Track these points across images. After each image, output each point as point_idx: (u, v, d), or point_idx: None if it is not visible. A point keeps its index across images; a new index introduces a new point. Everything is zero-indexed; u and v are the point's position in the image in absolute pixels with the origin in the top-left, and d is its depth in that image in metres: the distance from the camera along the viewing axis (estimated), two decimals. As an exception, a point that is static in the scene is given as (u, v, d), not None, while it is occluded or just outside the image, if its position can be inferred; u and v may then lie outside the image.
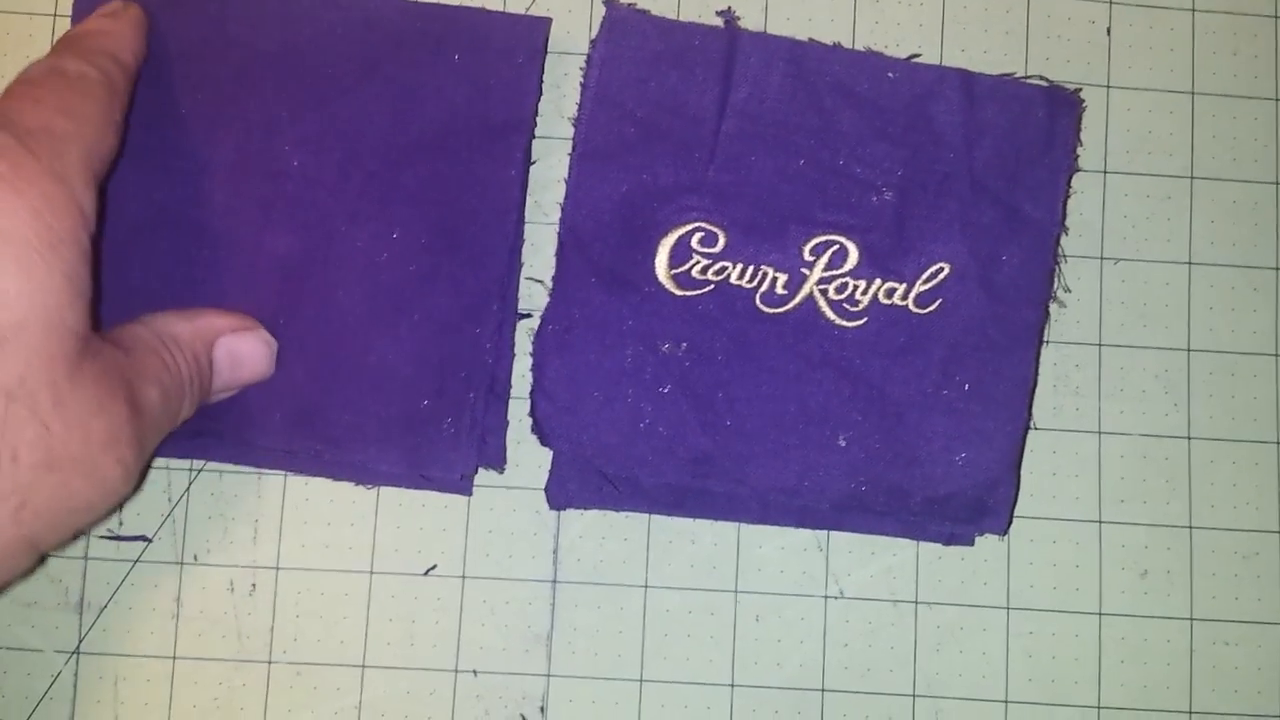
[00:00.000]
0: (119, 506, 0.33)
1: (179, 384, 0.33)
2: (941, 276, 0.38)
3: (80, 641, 0.38)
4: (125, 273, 0.38)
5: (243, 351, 0.36)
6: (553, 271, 0.38)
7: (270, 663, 0.38)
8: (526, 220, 0.40)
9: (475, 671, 0.39)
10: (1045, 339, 0.39)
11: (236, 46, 0.38)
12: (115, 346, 0.32)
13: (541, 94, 0.40)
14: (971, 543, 0.39)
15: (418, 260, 0.38)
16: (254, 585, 0.39)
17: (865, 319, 0.38)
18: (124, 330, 0.33)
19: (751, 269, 0.38)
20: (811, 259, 0.38)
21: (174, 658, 0.38)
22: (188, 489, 0.39)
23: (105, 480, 0.30)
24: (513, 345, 0.39)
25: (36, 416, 0.28)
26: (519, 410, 0.39)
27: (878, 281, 0.38)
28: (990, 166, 0.38)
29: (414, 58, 0.39)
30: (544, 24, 0.40)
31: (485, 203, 0.38)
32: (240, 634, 0.38)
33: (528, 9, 0.41)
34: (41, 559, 0.32)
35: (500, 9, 0.41)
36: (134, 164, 0.37)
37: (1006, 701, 0.39)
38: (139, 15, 0.37)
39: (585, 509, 0.39)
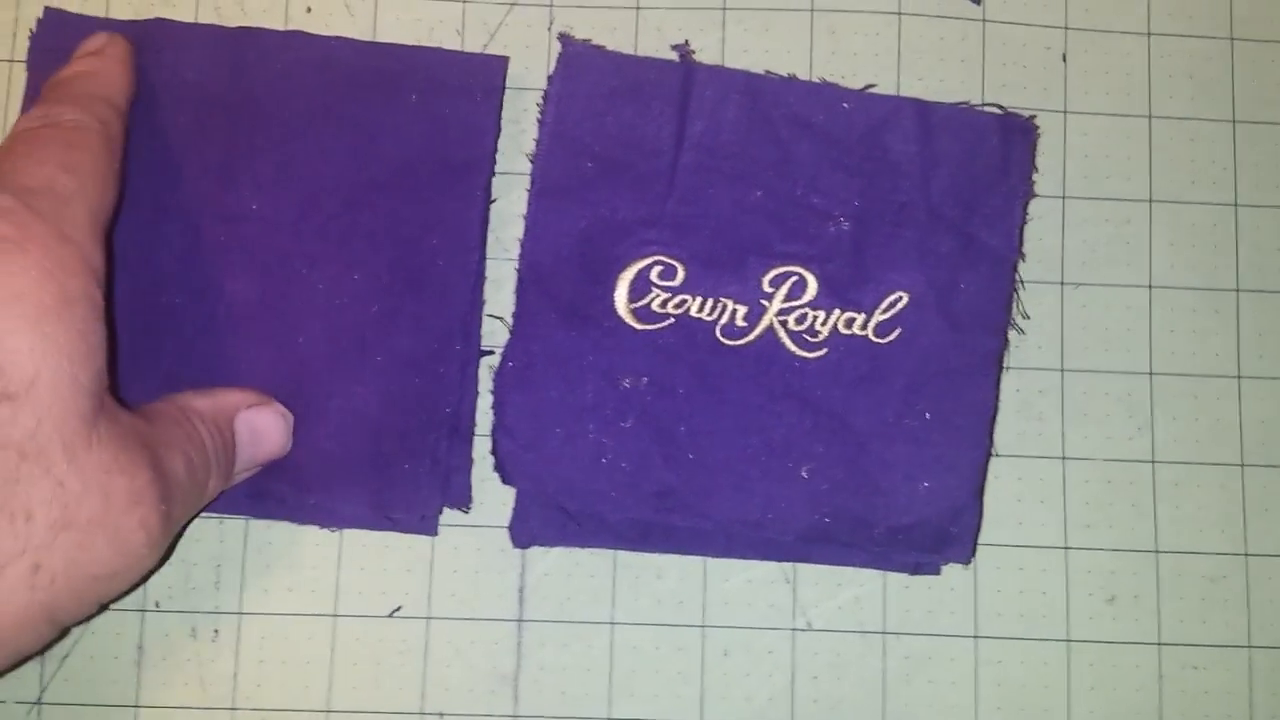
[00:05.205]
0: (144, 578, 0.32)
1: (203, 454, 0.33)
2: (900, 305, 0.38)
3: (42, 692, 0.38)
4: None
5: (262, 426, 0.36)
6: (513, 308, 0.38)
7: (234, 709, 0.38)
8: (487, 257, 0.40)
9: (442, 714, 0.38)
10: (1007, 365, 0.39)
11: (192, 91, 0.38)
12: (137, 416, 0.31)
13: (500, 132, 0.40)
14: (938, 572, 0.39)
15: (380, 301, 0.38)
16: (217, 631, 0.38)
17: (825, 349, 0.38)
18: (145, 406, 0.33)
19: (711, 301, 0.38)
20: (771, 290, 0.38)
21: (137, 706, 0.38)
22: (149, 535, 0.39)
23: (128, 543, 0.29)
24: (476, 383, 0.39)
25: (50, 474, 0.27)
26: (482, 448, 0.39)
27: (837, 311, 0.38)
28: (946, 195, 0.38)
29: (371, 98, 0.39)
30: (501, 63, 0.40)
31: (447, 242, 0.38)
32: (204, 681, 0.38)
33: (485, 46, 0.41)
34: (62, 632, 0.30)
35: (458, 47, 0.41)
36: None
37: (977, 731, 0.39)
38: (125, 50, 0.37)
39: (550, 547, 0.39)
